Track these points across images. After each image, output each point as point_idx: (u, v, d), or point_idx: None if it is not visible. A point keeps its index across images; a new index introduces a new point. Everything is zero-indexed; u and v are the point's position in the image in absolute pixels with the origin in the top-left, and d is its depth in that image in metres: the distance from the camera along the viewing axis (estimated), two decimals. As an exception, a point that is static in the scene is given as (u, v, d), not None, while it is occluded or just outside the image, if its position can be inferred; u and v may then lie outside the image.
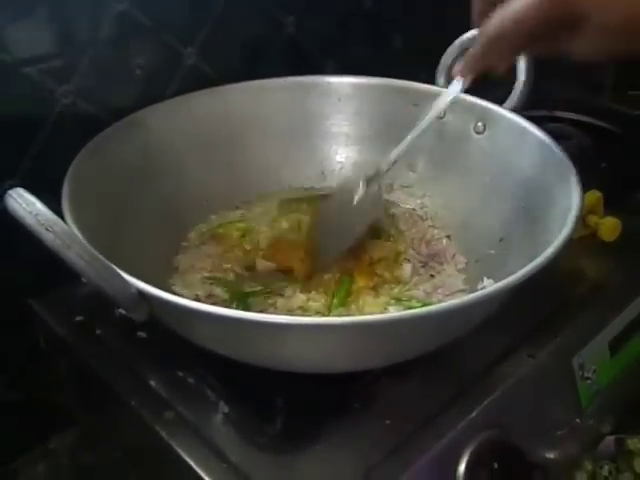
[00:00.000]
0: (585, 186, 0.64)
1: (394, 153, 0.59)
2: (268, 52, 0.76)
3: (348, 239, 0.60)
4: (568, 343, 0.59)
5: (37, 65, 0.60)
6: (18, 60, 0.58)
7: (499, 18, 0.45)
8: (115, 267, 0.41)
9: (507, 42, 0.46)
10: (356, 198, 0.60)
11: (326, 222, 0.63)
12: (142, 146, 0.62)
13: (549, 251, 0.44)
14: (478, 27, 0.48)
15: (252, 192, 0.70)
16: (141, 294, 0.41)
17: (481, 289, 0.54)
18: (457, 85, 0.55)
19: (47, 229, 0.38)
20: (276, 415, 0.50)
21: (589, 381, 0.61)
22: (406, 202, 0.69)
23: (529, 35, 0.44)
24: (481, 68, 0.51)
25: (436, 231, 0.66)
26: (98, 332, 0.58)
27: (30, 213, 0.38)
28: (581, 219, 0.66)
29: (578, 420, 0.61)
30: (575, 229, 0.48)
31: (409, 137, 0.59)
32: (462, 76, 0.54)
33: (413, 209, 0.68)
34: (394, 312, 0.40)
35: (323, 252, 0.60)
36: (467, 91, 0.66)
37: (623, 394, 0.66)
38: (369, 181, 0.61)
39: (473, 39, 0.66)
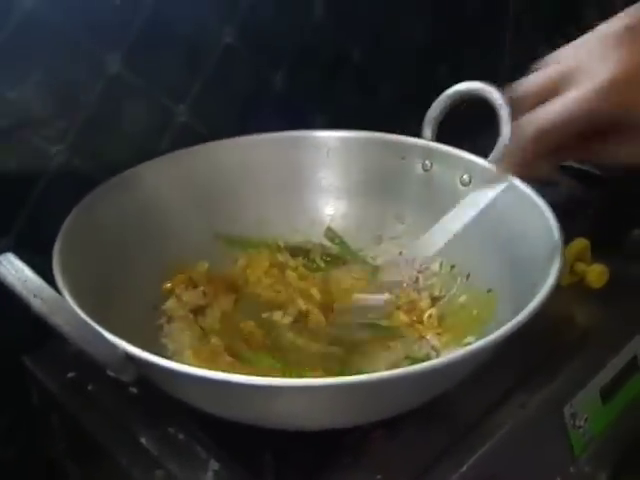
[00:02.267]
0: (572, 233, 0.66)
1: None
2: (259, 107, 0.78)
3: None
4: (559, 392, 0.59)
5: (31, 126, 0.61)
6: (12, 122, 0.60)
7: (546, 113, 0.43)
8: (102, 330, 0.42)
9: (553, 138, 0.44)
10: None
11: None
12: (135, 203, 0.63)
13: (528, 309, 0.45)
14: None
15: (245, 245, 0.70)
16: (128, 356, 0.42)
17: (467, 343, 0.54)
18: (501, 185, 0.54)
19: (34, 295, 0.39)
20: (266, 472, 0.50)
21: (581, 430, 0.61)
22: (394, 253, 0.70)
23: (575, 133, 0.42)
24: (528, 163, 0.48)
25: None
26: (89, 388, 0.59)
27: (19, 280, 0.39)
28: (567, 268, 0.67)
29: (572, 469, 0.61)
30: (557, 282, 0.48)
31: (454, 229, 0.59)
32: (510, 170, 0.51)
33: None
34: (377, 373, 0.40)
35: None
36: (452, 143, 0.68)
37: (617, 441, 0.66)
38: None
39: (459, 92, 0.68)
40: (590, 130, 0.43)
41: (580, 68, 0.42)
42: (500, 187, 0.55)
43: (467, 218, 0.57)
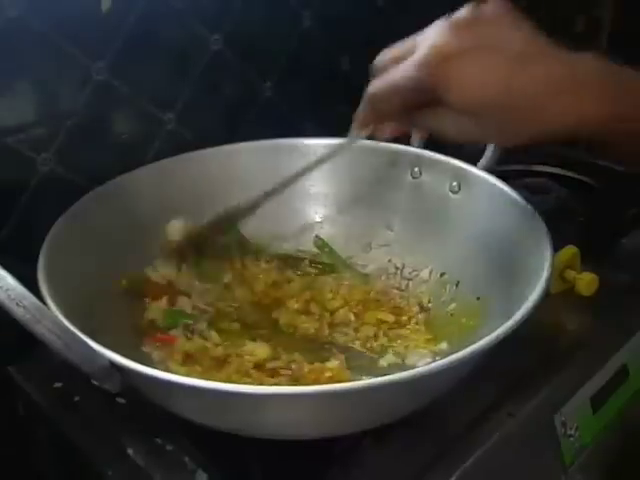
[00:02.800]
0: (562, 240, 0.66)
1: None
2: (246, 116, 0.78)
3: None
4: (549, 400, 0.59)
5: (17, 134, 0.61)
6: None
7: (378, 81, 0.50)
8: (86, 339, 0.42)
9: (384, 104, 0.51)
10: None
11: None
12: (122, 211, 0.63)
13: (517, 315, 0.45)
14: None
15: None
16: (113, 365, 0.41)
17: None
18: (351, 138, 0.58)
19: (17, 304, 0.38)
20: (254, 483, 0.50)
21: (572, 438, 0.61)
22: (383, 261, 0.69)
23: (402, 101, 0.49)
24: (366, 121, 0.55)
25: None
26: (76, 399, 0.58)
27: (1, 288, 0.38)
28: (557, 275, 0.67)
29: (563, 478, 0.61)
30: (546, 290, 0.48)
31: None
32: (355, 132, 0.57)
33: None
34: (365, 380, 0.40)
35: None
36: (442, 150, 0.68)
37: (608, 450, 0.66)
38: None
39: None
40: (418, 99, 0.48)
41: (417, 45, 0.47)
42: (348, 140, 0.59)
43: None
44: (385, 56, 0.51)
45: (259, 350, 0.56)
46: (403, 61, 0.48)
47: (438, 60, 0.45)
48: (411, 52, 0.47)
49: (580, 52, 0.46)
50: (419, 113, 0.50)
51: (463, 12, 0.47)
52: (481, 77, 0.45)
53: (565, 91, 0.45)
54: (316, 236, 0.72)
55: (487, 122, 0.46)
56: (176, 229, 0.65)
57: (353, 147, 0.70)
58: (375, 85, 0.50)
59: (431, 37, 0.46)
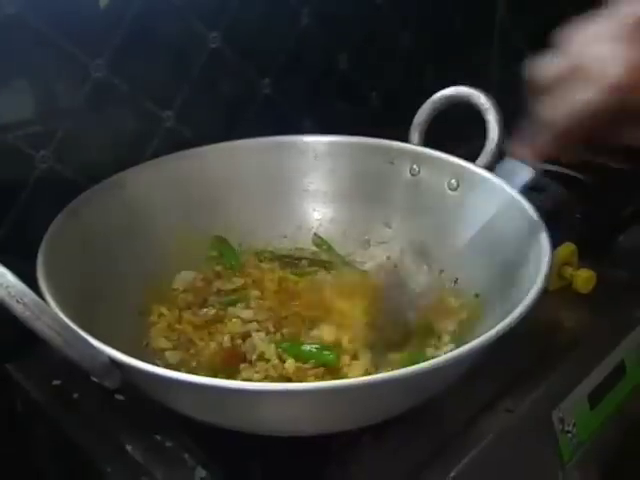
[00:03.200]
0: (560, 238, 0.66)
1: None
2: (245, 113, 0.78)
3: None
4: (547, 397, 0.59)
5: (15, 131, 0.61)
6: (-3, 127, 0.60)
7: (564, 107, 0.45)
8: (85, 335, 0.42)
9: (574, 132, 0.46)
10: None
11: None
12: (120, 209, 0.63)
13: (516, 312, 0.45)
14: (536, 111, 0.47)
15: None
16: (113, 362, 0.41)
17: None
18: (527, 172, 0.54)
19: (17, 301, 0.38)
20: (253, 478, 0.50)
21: (570, 434, 0.61)
22: (382, 258, 0.69)
23: (594, 125, 0.45)
24: (550, 154, 0.50)
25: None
26: (75, 396, 0.58)
27: (1, 285, 0.38)
28: (555, 272, 0.67)
29: (561, 474, 0.61)
30: (545, 287, 0.48)
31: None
32: (534, 161, 0.52)
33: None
34: (363, 377, 0.40)
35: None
36: (440, 147, 0.68)
37: (606, 446, 0.66)
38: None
39: (446, 97, 0.68)
40: (612, 120, 0.44)
41: (590, 60, 0.43)
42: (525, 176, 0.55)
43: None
44: (544, 73, 0.47)
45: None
46: (579, 81, 0.44)
47: (637, 76, 0.42)
48: (582, 67, 0.43)
49: None
50: (620, 130, 0.46)
51: (630, 10, 0.43)
52: None
53: None
54: (315, 234, 0.72)
55: None
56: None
57: (354, 145, 0.71)
58: (557, 112, 0.45)
59: (613, 49, 0.42)
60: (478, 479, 0.52)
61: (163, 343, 0.59)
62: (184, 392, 0.45)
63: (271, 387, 0.42)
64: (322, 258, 0.71)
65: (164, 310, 0.62)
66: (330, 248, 0.71)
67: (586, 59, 0.44)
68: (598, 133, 0.46)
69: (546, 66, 0.46)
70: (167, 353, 0.58)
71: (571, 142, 0.48)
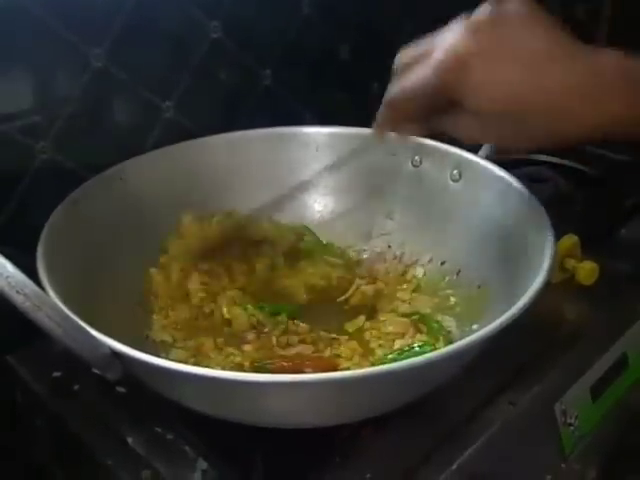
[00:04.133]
0: (562, 229, 0.66)
1: None
2: (246, 103, 0.77)
3: None
4: (549, 389, 0.59)
5: (14, 122, 0.60)
6: (-4, 117, 0.59)
7: (396, 85, 0.50)
8: (87, 326, 0.41)
9: (402, 106, 0.50)
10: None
11: None
12: (121, 199, 0.62)
13: (520, 303, 0.45)
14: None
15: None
16: (114, 353, 0.41)
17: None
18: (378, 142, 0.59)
19: (17, 291, 0.38)
20: (255, 471, 0.50)
21: (572, 427, 0.61)
22: (384, 249, 0.69)
23: (420, 103, 0.49)
24: (386, 125, 0.55)
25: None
26: (75, 388, 0.58)
27: (1, 275, 0.38)
28: (557, 264, 0.66)
29: (563, 466, 0.61)
30: (548, 279, 0.48)
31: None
32: (376, 134, 0.57)
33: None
34: (365, 369, 0.40)
35: None
36: (443, 139, 0.68)
37: (607, 439, 0.66)
38: None
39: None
40: (436, 103, 0.48)
41: (434, 46, 0.47)
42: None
43: None
44: (403, 58, 0.50)
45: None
46: (420, 64, 0.47)
47: (455, 64, 0.44)
48: (429, 54, 0.46)
49: (600, 49, 0.45)
50: (437, 117, 0.49)
51: (482, 11, 0.46)
52: (499, 81, 0.44)
53: (588, 93, 0.43)
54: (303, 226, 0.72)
55: (505, 126, 0.46)
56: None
57: (354, 136, 0.71)
58: (393, 89, 0.50)
59: (448, 39, 0.45)
60: (480, 472, 0.52)
61: (164, 335, 0.59)
62: (185, 384, 0.44)
63: (273, 379, 0.42)
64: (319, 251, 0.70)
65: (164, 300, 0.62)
66: (328, 243, 0.71)
67: (429, 47, 0.47)
68: (426, 115, 0.50)
69: (405, 50, 0.51)
70: (168, 345, 0.58)
71: (403, 117, 0.52)
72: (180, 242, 0.65)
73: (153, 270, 0.62)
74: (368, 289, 0.65)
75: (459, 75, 0.44)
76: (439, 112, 0.49)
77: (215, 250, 0.66)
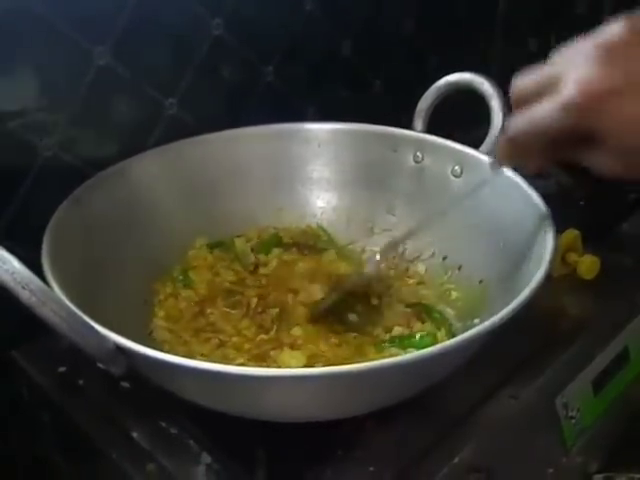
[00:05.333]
0: (564, 224, 0.66)
1: (417, 227, 0.60)
2: (248, 100, 0.77)
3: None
4: (551, 383, 0.59)
5: (18, 119, 0.60)
6: (1, 115, 0.59)
7: (522, 118, 0.45)
8: (91, 322, 0.42)
9: (526, 143, 0.47)
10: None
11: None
12: (125, 196, 0.63)
13: (521, 297, 0.45)
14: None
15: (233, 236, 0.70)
16: (118, 348, 0.42)
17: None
18: (495, 173, 0.55)
19: (23, 287, 0.38)
20: (258, 465, 0.50)
21: (573, 420, 0.61)
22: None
23: (547, 141, 0.45)
24: (507, 161, 0.52)
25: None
26: (80, 383, 0.58)
27: (7, 271, 0.38)
28: (559, 258, 0.67)
29: (564, 459, 0.61)
30: (549, 272, 0.48)
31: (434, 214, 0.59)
32: (498, 167, 0.55)
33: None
34: (368, 362, 0.40)
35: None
36: (444, 135, 0.68)
37: (609, 432, 0.67)
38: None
39: (450, 83, 0.68)
40: (565, 140, 0.44)
41: (561, 75, 0.43)
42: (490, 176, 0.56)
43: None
44: (523, 84, 0.46)
45: None
46: (546, 96, 0.43)
47: (590, 104, 0.41)
48: (555, 85, 0.43)
49: None
50: (571, 152, 0.46)
51: (611, 31, 0.42)
52: None
53: None
54: (317, 224, 0.72)
55: None
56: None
57: (357, 132, 0.71)
58: (517, 124, 0.46)
59: (579, 72, 0.41)
60: (482, 465, 0.53)
61: (167, 333, 0.59)
62: (189, 378, 0.45)
63: (275, 373, 0.42)
64: (323, 247, 0.71)
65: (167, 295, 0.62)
66: (330, 238, 0.71)
67: (554, 75, 0.43)
68: (554, 150, 0.47)
69: (522, 78, 0.47)
70: (171, 342, 0.58)
71: (527, 152, 0.48)
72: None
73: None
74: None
75: (595, 115, 0.41)
76: (566, 148, 0.45)
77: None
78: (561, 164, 0.58)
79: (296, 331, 0.58)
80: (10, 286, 0.38)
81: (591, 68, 0.41)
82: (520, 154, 0.49)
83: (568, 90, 0.41)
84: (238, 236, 0.69)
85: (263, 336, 0.58)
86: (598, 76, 0.40)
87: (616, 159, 0.43)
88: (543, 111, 0.43)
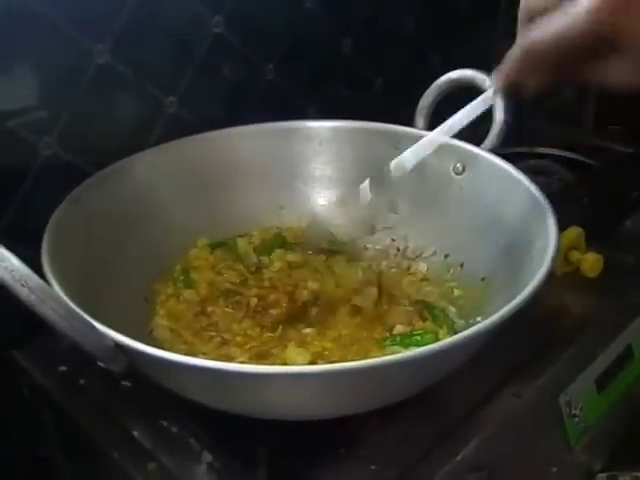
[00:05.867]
0: (566, 222, 0.66)
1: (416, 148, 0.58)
2: (249, 98, 0.77)
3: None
4: (554, 381, 0.59)
5: (18, 118, 0.60)
6: (1, 114, 0.59)
7: (541, 29, 0.44)
8: (91, 319, 0.41)
9: (544, 55, 0.45)
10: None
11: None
12: (125, 195, 0.62)
13: (524, 293, 0.45)
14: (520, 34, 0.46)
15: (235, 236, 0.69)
16: (118, 346, 0.41)
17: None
18: (489, 91, 0.54)
19: (22, 285, 0.38)
20: (260, 464, 0.50)
21: (577, 418, 0.61)
22: (388, 242, 0.69)
23: (567, 52, 0.43)
24: (515, 77, 0.48)
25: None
26: (81, 382, 0.58)
27: (6, 269, 0.38)
28: (561, 256, 0.66)
29: (568, 458, 0.61)
30: (552, 269, 0.48)
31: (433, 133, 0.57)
32: (497, 80, 0.51)
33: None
34: (370, 360, 0.40)
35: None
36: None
37: (612, 430, 0.66)
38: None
39: (451, 80, 0.68)
40: (586, 50, 0.43)
41: None
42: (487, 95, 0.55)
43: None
44: (532, 2, 0.45)
45: None
46: (565, 9, 0.42)
47: (614, 7, 0.39)
48: None
49: None
50: (586, 65, 0.44)
51: None
52: None
53: None
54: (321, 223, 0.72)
55: None
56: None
57: (358, 130, 0.71)
58: (535, 38, 0.44)
59: None
60: (485, 463, 0.52)
61: (167, 332, 0.59)
62: (189, 376, 0.44)
63: (275, 370, 0.42)
64: (326, 246, 0.70)
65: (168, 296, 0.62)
66: (332, 236, 0.71)
67: None
68: (568, 64, 0.45)
69: None
70: (171, 341, 0.58)
71: (540, 67, 0.46)
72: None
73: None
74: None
75: (620, 20, 0.40)
76: (582, 61, 0.44)
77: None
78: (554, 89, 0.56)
79: (301, 330, 0.58)
80: (9, 284, 0.38)
81: None
82: (531, 69, 0.46)
83: None
84: (240, 236, 0.69)
85: (270, 334, 0.58)
86: None
87: (632, 66, 0.42)
88: (566, 19, 0.42)
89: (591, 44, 0.42)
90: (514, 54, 0.47)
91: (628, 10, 0.39)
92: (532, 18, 0.45)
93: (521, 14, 0.46)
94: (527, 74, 0.47)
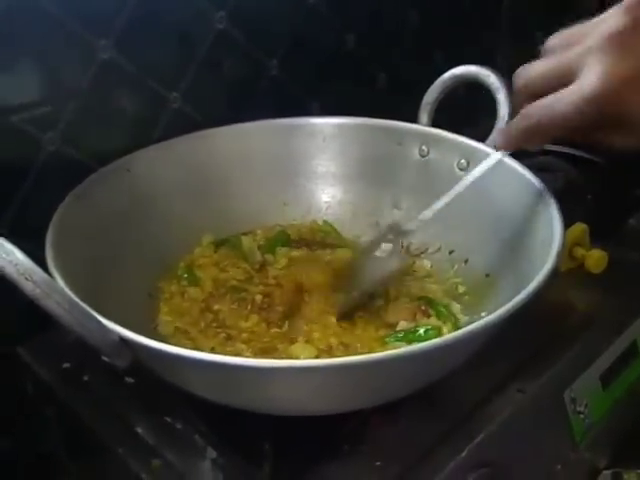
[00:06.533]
0: (571, 218, 0.66)
1: (426, 214, 0.58)
2: (252, 94, 0.77)
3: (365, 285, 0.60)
4: (559, 377, 0.59)
5: (22, 113, 0.60)
6: (3, 109, 0.59)
7: (542, 109, 0.46)
8: (96, 314, 0.41)
9: (549, 130, 0.47)
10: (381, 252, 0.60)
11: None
12: (128, 191, 0.62)
13: (529, 288, 0.44)
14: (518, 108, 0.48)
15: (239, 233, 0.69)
16: (123, 341, 0.41)
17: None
18: (495, 156, 0.56)
19: (26, 278, 0.38)
20: (264, 460, 0.50)
21: (582, 415, 0.61)
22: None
23: (570, 130, 0.46)
24: (519, 144, 0.52)
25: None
26: (85, 378, 0.58)
27: (10, 262, 0.38)
28: (566, 253, 0.66)
29: (573, 455, 0.61)
30: (557, 265, 0.48)
31: (442, 201, 0.58)
32: (501, 145, 0.55)
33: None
34: (375, 353, 0.39)
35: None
36: (449, 128, 0.68)
37: (617, 427, 0.66)
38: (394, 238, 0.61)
39: (455, 76, 0.67)
40: (591, 124, 0.44)
41: (578, 64, 0.43)
42: (493, 159, 0.56)
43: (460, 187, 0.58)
44: (532, 74, 0.47)
45: None
46: (562, 86, 0.44)
47: (612, 92, 0.42)
48: (568, 73, 0.43)
49: None
50: (591, 134, 0.46)
51: (619, 20, 0.43)
52: None
53: None
54: (322, 219, 0.72)
55: None
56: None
57: (362, 126, 0.71)
58: (537, 113, 0.46)
59: (594, 62, 0.42)
60: (489, 459, 0.52)
61: (172, 327, 0.59)
62: (193, 370, 0.44)
63: (279, 364, 0.41)
64: (330, 242, 0.70)
65: (172, 293, 0.62)
66: (337, 232, 0.71)
67: (567, 67, 0.44)
68: (571, 134, 0.47)
69: (531, 68, 0.47)
70: (175, 337, 0.58)
71: (542, 139, 0.49)
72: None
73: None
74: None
75: (619, 103, 0.42)
76: (586, 132, 0.46)
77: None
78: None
79: (308, 326, 0.58)
80: (13, 277, 0.38)
81: (607, 59, 0.42)
82: (533, 140, 0.49)
83: (590, 83, 0.42)
84: (244, 233, 0.69)
85: (276, 329, 0.58)
86: (615, 67, 0.42)
87: (630, 134, 0.44)
88: (565, 101, 0.44)
89: (591, 122, 0.44)
90: (519, 124, 0.49)
91: (624, 95, 0.42)
92: (532, 92, 0.47)
93: (517, 87, 0.48)
94: (532, 141, 0.50)
